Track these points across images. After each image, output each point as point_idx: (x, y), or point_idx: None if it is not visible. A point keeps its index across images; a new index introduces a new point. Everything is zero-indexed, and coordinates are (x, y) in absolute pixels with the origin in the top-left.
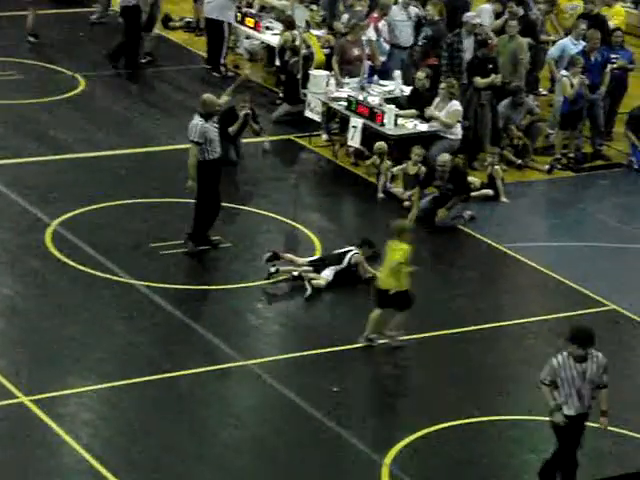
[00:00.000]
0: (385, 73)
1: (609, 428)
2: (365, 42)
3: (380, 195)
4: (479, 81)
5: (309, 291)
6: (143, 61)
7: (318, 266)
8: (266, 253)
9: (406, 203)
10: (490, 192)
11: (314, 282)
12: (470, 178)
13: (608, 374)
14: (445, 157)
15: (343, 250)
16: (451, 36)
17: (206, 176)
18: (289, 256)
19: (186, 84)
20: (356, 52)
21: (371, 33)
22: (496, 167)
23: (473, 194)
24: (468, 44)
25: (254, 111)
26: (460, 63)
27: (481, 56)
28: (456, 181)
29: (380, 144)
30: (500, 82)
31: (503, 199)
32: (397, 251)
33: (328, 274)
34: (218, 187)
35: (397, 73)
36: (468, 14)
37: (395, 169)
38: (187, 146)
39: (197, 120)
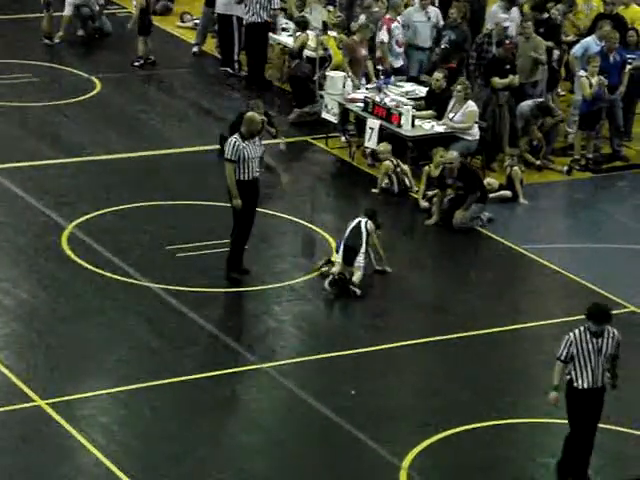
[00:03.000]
0: (402, 74)
1: (631, 431)
2: (377, 44)
3: (375, 190)
4: (497, 82)
5: (358, 292)
6: (136, 64)
7: (352, 258)
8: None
9: (424, 204)
10: (508, 193)
11: (355, 279)
12: (488, 179)
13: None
14: (453, 154)
15: (354, 224)
16: (481, 36)
17: (242, 196)
18: (336, 269)
19: (201, 86)
20: (363, 52)
21: (384, 35)
22: (515, 168)
23: (492, 195)
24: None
25: (269, 115)
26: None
27: (499, 56)
28: (466, 179)
29: (384, 146)
30: (518, 83)
31: (522, 200)
32: None
33: (360, 261)
34: (254, 210)
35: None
36: (500, 16)
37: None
38: (203, 148)
39: (234, 137)
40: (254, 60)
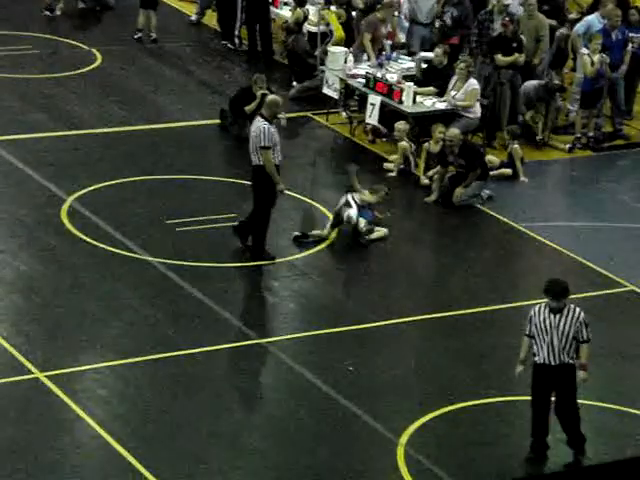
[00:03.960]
0: (403, 49)
1: (628, 410)
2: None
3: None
4: (500, 59)
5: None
6: (135, 37)
7: (338, 224)
8: (294, 233)
9: (425, 181)
10: (509, 171)
11: (362, 226)
12: (489, 157)
13: (589, 329)
14: (454, 132)
15: (343, 201)
16: (483, 13)
17: (268, 182)
18: (316, 232)
19: (202, 60)
20: (383, 30)
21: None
22: (515, 146)
23: (492, 173)
24: (498, 24)
25: (271, 90)
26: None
27: (504, 33)
28: (467, 156)
29: (403, 125)
30: (523, 61)
31: (522, 178)
32: None
33: (352, 214)
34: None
35: (420, 56)
36: None
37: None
38: (202, 122)
39: (262, 123)
40: (257, 35)
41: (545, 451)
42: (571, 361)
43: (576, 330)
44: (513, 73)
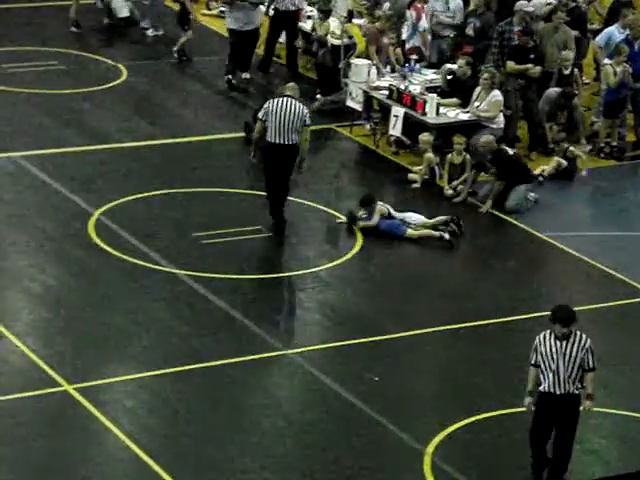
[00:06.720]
0: (423, 61)
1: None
2: (419, 33)
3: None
4: (510, 66)
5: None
6: (179, 57)
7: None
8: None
9: (449, 192)
10: (564, 162)
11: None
12: (557, 159)
13: (595, 357)
14: (489, 138)
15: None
16: (503, 24)
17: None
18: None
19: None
20: (385, 40)
21: (424, 23)
22: (571, 148)
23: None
24: None
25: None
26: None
27: (521, 44)
28: (498, 164)
29: (426, 137)
30: (539, 74)
31: (583, 172)
32: None
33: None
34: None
35: (445, 67)
36: (520, 2)
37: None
38: (227, 135)
39: (302, 104)
40: (287, 48)
41: None
42: (576, 391)
43: (582, 358)
44: (525, 84)
